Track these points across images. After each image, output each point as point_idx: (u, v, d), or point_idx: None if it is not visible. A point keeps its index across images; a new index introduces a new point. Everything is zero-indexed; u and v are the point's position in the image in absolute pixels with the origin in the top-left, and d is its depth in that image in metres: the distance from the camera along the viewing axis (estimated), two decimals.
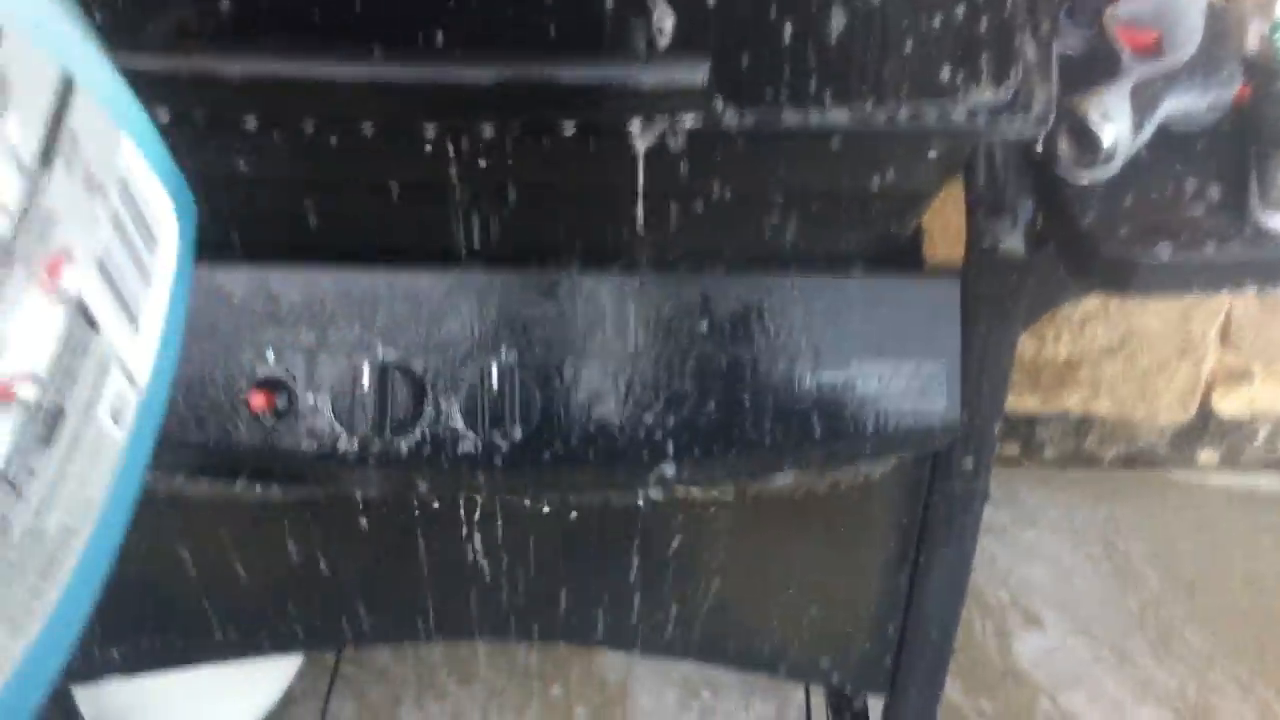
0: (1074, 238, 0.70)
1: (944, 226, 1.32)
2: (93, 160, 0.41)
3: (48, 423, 0.38)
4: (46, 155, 0.38)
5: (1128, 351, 1.55)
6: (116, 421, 0.42)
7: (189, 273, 0.47)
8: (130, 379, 0.43)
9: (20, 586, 0.38)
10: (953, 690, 1.45)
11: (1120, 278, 0.70)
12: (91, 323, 0.40)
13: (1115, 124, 0.71)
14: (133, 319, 0.43)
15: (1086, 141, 0.71)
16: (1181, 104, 0.74)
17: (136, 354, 0.43)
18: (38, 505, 0.38)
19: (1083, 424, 1.68)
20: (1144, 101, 0.72)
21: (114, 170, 0.42)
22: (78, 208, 0.40)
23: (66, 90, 0.39)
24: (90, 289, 0.40)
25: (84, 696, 1.03)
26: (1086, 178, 0.72)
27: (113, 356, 0.42)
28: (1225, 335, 1.55)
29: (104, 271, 0.41)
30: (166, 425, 0.77)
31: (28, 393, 0.37)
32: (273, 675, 1.31)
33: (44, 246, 0.38)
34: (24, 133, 0.37)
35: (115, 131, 0.42)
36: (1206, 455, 1.71)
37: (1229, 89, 0.75)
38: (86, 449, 0.40)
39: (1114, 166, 0.72)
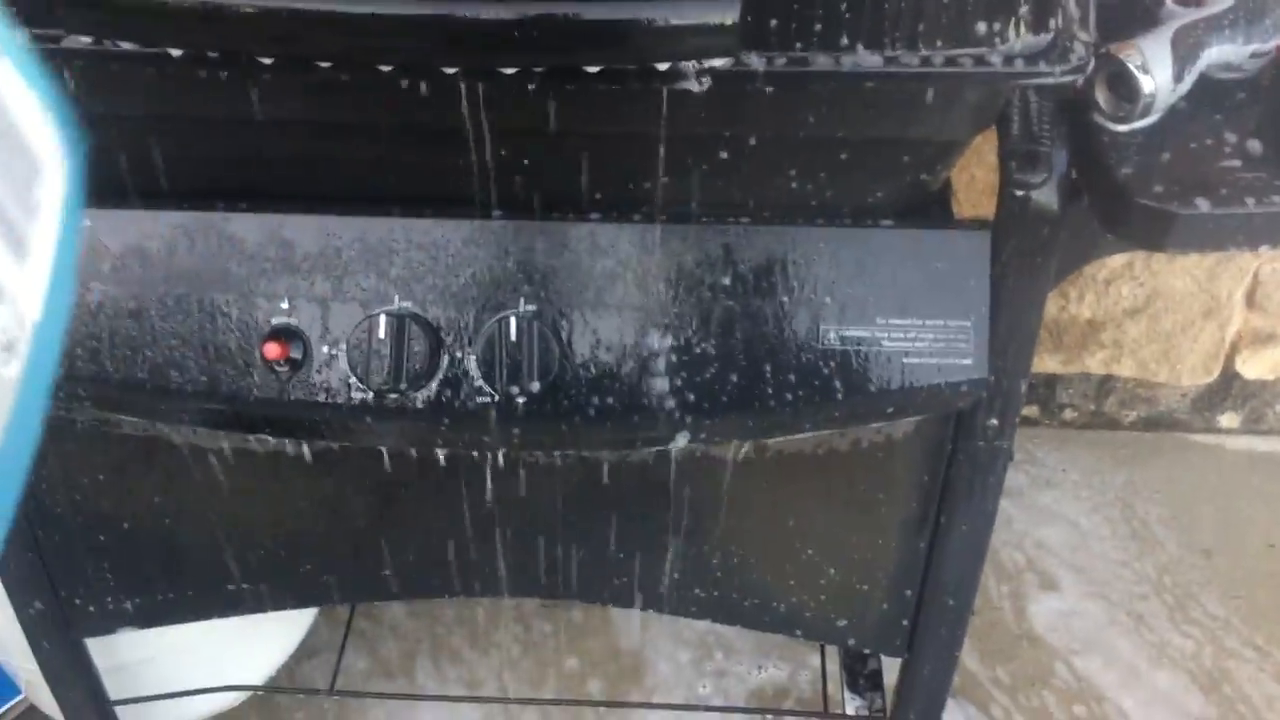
0: (1109, 190, 0.68)
1: (968, 183, 1.30)
2: None
3: None
4: None
5: (1152, 312, 1.53)
6: (8, 352, 0.41)
7: (79, 208, 0.45)
8: (18, 313, 0.42)
9: None
10: (968, 653, 1.44)
11: (1156, 232, 0.68)
12: None
13: (1155, 72, 0.68)
14: (18, 249, 0.41)
15: (1125, 90, 0.69)
16: (1223, 53, 0.72)
17: (24, 286, 0.42)
18: None
19: (1104, 385, 1.66)
20: (1185, 50, 0.70)
21: None
22: None
23: None
24: None
25: (98, 649, 1.03)
26: (1124, 128, 0.70)
27: None
28: (1251, 297, 1.53)
29: None
30: (180, 375, 0.76)
31: None
32: (286, 630, 1.31)
33: None
34: None
35: None
36: (1228, 419, 1.69)
37: (1271, 38, 0.73)
38: None
39: (1153, 116, 0.70)
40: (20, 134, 0.42)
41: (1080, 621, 1.49)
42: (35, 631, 0.97)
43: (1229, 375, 1.63)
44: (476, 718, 1.39)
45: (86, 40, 0.61)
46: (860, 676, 1.30)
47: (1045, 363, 1.61)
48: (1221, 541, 1.57)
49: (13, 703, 1.28)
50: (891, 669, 1.16)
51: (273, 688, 1.33)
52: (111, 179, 0.77)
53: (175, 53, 0.59)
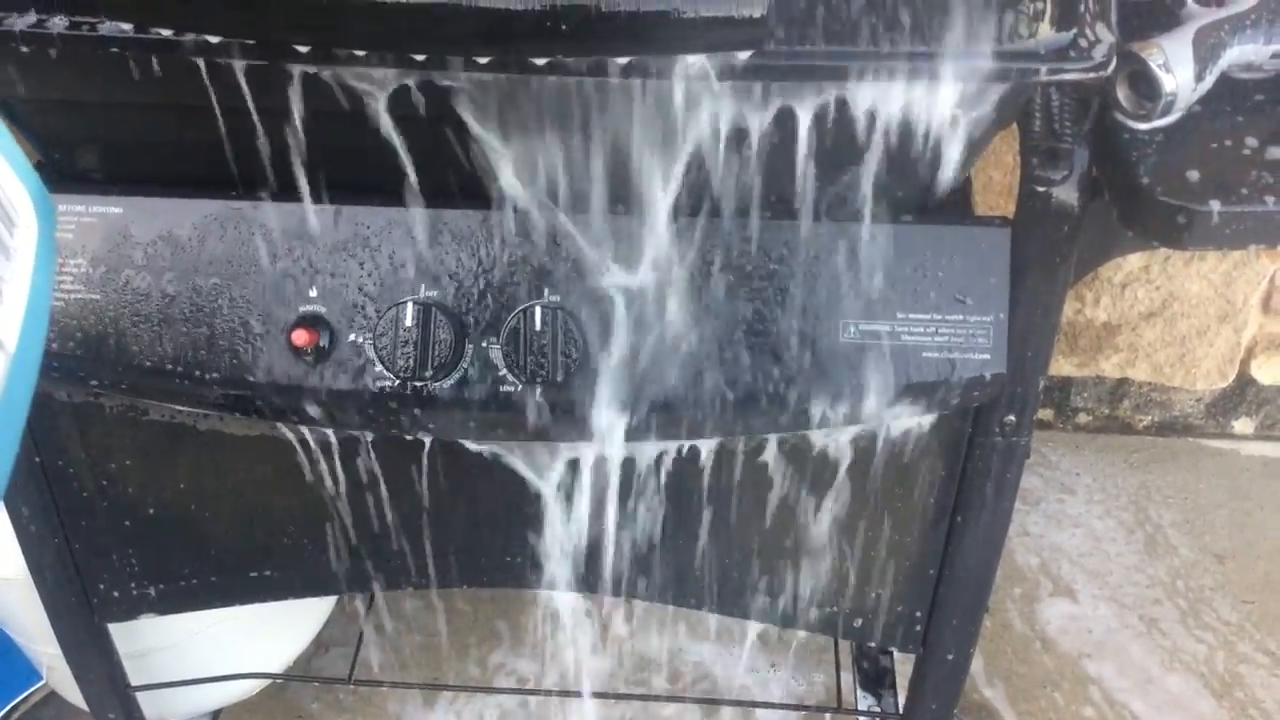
0: (1130, 187, 0.69)
1: (986, 184, 1.31)
2: None
3: None
4: None
5: (1168, 316, 1.53)
6: None
7: (51, 257, 0.53)
8: None
9: None
10: (980, 655, 1.45)
11: (1176, 229, 0.69)
12: None
13: (1177, 71, 0.69)
14: None
15: (1147, 89, 0.70)
16: (1244, 53, 0.73)
17: (3, 321, 0.48)
18: None
19: (1118, 389, 1.66)
20: (1206, 49, 0.71)
21: None
22: None
23: None
24: None
25: (120, 634, 1.04)
26: (1145, 126, 0.71)
27: None
28: (1267, 302, 1.53)
29: None
30: (208, 361, 0.77)
31: None
32: (303, 621, 1.32)
33: None
34: None
35: None
36: (1242, 424, 1.69)
37: None
38: None
39: (1173, 115, 0.71)
40: None
41: (1093, 625, 1.49)
42: (59, 616, 0.99)
43: (1244, 380, 1.63)
44: (495, 715, 1.39)
45: (127, 27, 0.62)
46: (873, 671, 1.31)
47: (1060, 366, 1.61)
48: (1235, 546, 1.57)
49: (34, 688, 1.30)
50: (903, 672, 1.17)
51: (293, 676, 1.33)
52: (142, 168, 0.78)
53: (213, 40, 0.60)
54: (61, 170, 0.81)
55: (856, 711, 1.27)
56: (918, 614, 0.97)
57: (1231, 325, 1.53)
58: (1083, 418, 1.71)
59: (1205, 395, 1.66)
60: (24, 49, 0.66)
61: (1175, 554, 1.57)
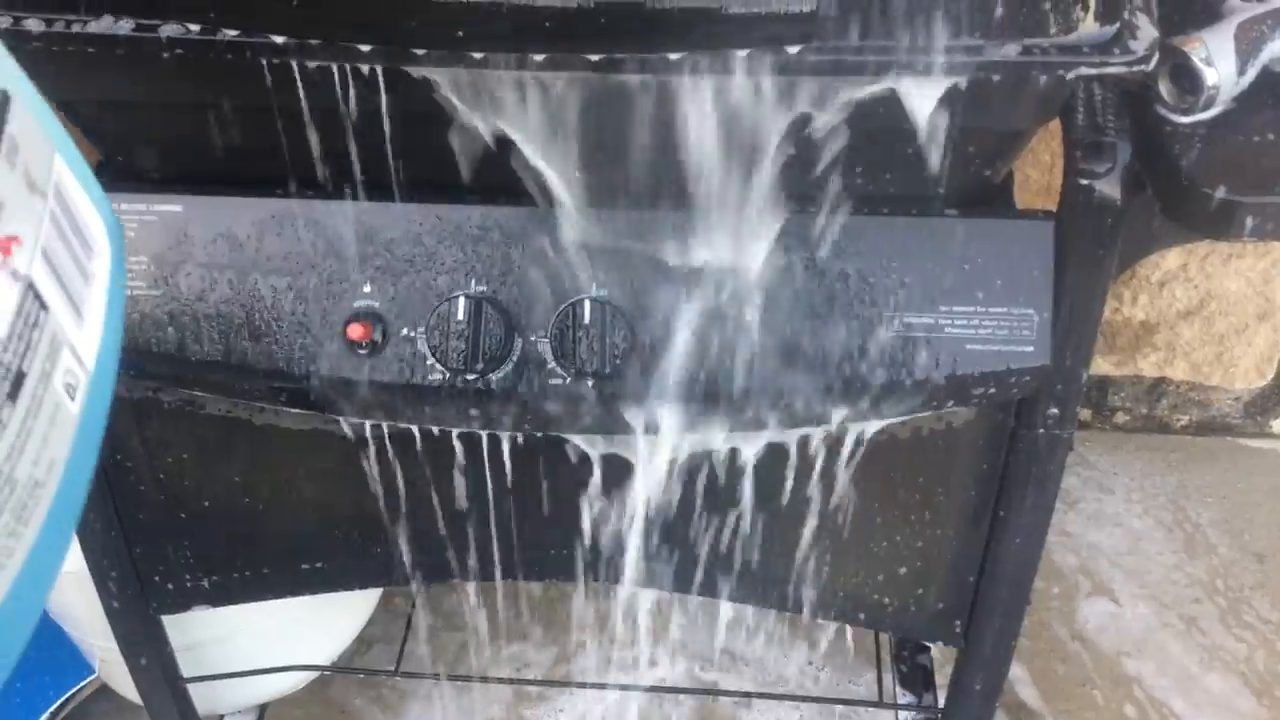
0: (1174, 179, 0.70)
1: (1022, 183, 1.32)
2: (31, 164, 0.46)
3: (11, 380, 0.44)
4: None
5: (1205, 314, 1.53)
6: (71, 397, 0.48)
7: (123, 282, 0.55)
8: (79, 361, 0.49)
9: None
10: (1019, 654, 1.45)
11: (1219, 222, 0.69)
12: (42, 303, 0.46)
13: (1219, 65, 0.70)
14: (77, 309, 0.50)
15: (1189, 83, 0.71)
16: None
17: (83, 341, 0.50)
18: (6, 453, 0.44)
19: (1155, 389, 1.66)
20: (1248, 44, 0.71)
21: (50, 178, 0.48)
22: (22, 201, 0.46)
23: (4, 102, 0.45)
24: (39, 273, 0.46)
25: (169, 628, 1.06)
26: (1187, 120, 0.72)
27: (63, 337, 0.48)
28: None
29: (49, 261, 0.47)
30: (264, 355, 0.79)
31: None
32: (349, 615, 1.33)
33: None
34: None
35: (49, 145, 0.49)
36: None
37: None
38: (46, 414, 0.46)
39: (1215, 109, 0.71)
40: (75, 215, 0.50)
41: (1132, 624, 1.49)
42: (115, 608, 1.00)
43: None
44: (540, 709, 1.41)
45: (195, 28, 0.64)
46: (913, 665, 1.32)
47: (1098, 365, 1.61)
48: (1274, 545, 1.57)
49: (86, 681, 1.32)
50: (943, 673, 1.17)
51: (341, 668, 1.35)
52: (202, 167, 0.80)
53: (279, 40, 0.62)
54: (122, 170, 0.83)
55: (897, 705, 1.28)
56: (960, 608, 0.98)
57: (1270, 324, 1.53)
58: (1120, 417, 1.71)
59: (1243, 394, 1.66)
60: (90, 51, 0.68)
61: (1214, 553, 1.57)
